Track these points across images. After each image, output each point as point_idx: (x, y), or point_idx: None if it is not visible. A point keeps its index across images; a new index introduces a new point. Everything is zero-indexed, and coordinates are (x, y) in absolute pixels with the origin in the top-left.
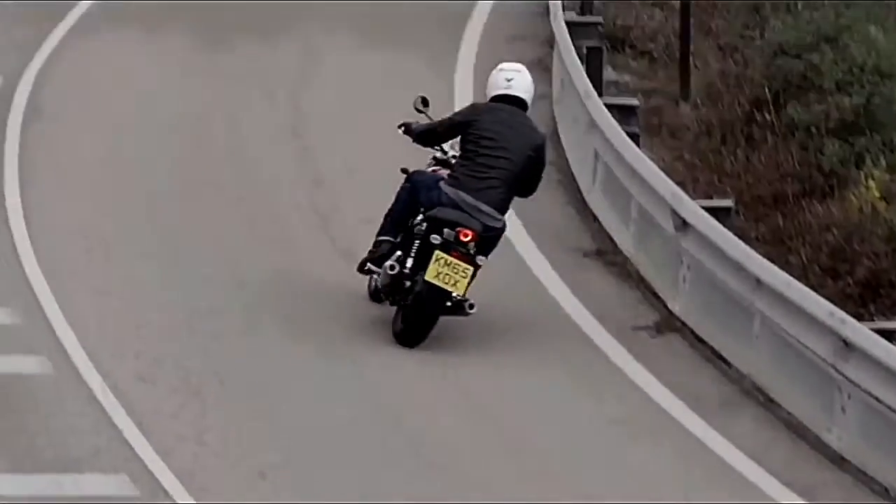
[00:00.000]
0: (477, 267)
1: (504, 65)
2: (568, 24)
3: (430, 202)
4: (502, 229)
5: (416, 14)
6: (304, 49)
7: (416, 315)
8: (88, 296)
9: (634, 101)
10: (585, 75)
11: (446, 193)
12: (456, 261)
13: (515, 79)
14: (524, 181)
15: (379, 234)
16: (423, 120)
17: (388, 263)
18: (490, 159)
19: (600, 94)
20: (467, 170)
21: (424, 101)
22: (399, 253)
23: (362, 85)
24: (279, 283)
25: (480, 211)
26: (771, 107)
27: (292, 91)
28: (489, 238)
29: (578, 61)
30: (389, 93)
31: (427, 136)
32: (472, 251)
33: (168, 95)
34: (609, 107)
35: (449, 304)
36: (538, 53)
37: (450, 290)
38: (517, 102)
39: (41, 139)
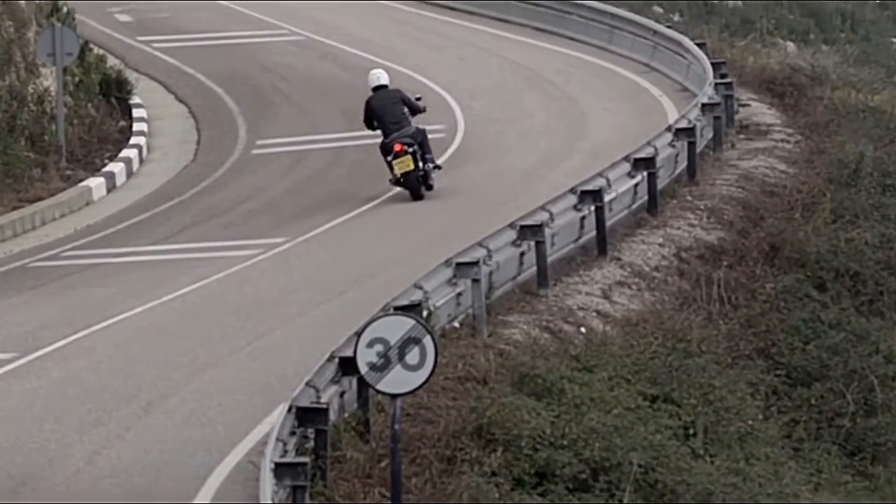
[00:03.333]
0: (409, 153)
1: (373, 70)
2: None
3: (384, 150)
4: (419, 129)
5: None
6: None
7: (409, 186)
8: None
9: None
10: None
11: (384, 142)
12: (400, 158)
13: (380, 76)
14: (411, 111)
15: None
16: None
17: (390, 178)
18: (388, 116)
19: None
20: (385, 126)
21: (365, 122)
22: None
23: None
24: None
25: (398, 137)
26: None
27: None
28: (415, 135)
29: None
30: None
31: (367, 125)
32: (405, 150)
33: None
34: None
35: (421, 174)
36: None
37: (407, 169)
38: (384, 86)
39: None
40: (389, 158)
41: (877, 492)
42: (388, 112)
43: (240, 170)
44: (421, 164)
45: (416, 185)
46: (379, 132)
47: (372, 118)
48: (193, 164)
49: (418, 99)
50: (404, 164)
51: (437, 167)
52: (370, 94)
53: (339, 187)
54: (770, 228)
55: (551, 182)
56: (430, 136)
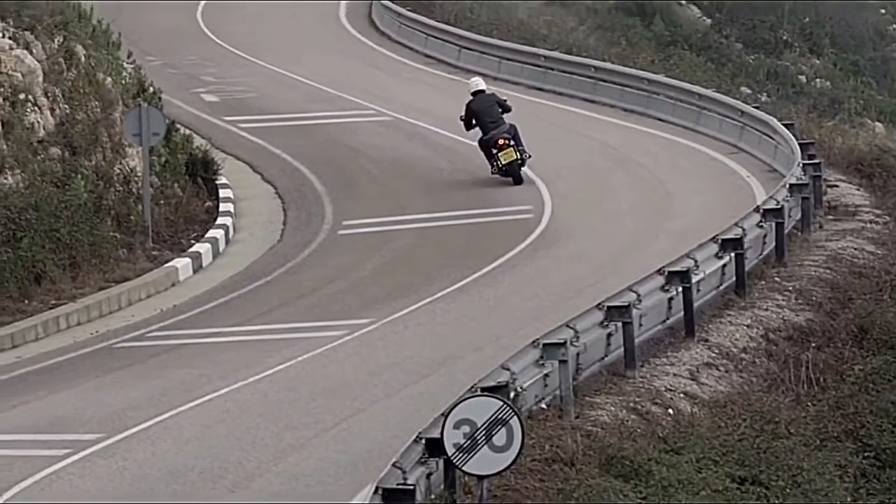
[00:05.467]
0: (511, 146)
1: (472, 78)
2: None
3: (487, 145)
4: (511, 125)
5: None
6: None
7: (512, 173)
8: None
9: None
10: None
11: (485, 138)
12: (504, 150)
13: (479, 83)
14: (502, 111)
15: (488, 162)
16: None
17: (493, 168)
18: (486, 116)
19: None
20: (483, 125)
21: (462, 119)
22: (493, 163)
23: None
24: None
25: (498, 133)
26: None
27: None
28: (510, 131)
29: None
30: None
31: (466, 125)
32: (507, 143)
33: None
34: None
35: (520, 162)
36: None
37: (511, 159)
38: (482, 91)
39: None
40: (495, 151)
41: None
42: (486, 113)
43: (326, 250)
44: (518, 155)
45: (517, 172)
46: (476, 131)
47: (471, 119)
48: (280, 245)
49: (505, 100)
50: (508, 155)
51: (529, 156)
52: (470, 98)
53: (425, 268)
54: (858, 310)
55: (638, 263)
56: (516, 216)
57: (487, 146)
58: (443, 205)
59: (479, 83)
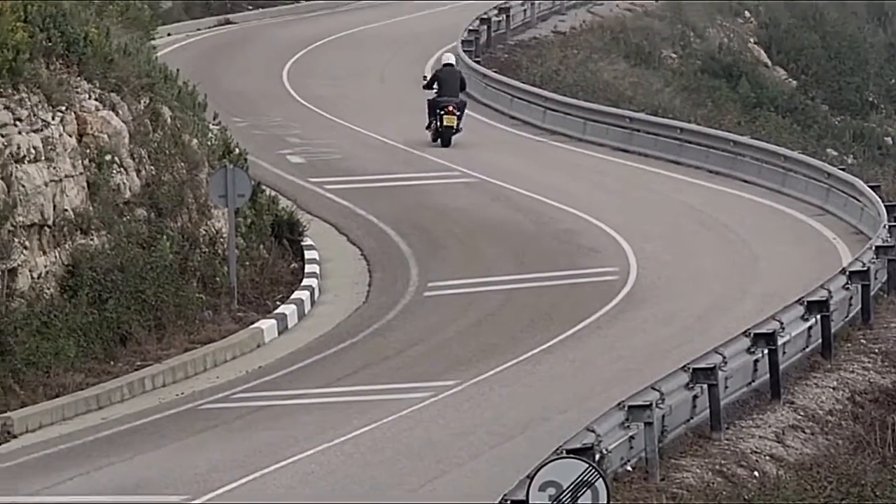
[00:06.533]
0: (456, 115)
1: (446, 53)
2: None
3: (437, 105)
4: (463, 101)
5: None
6: None
7: (444, 136)
8: None
9: None
10: None
11: (438, 99)
12: (448, 115)
13: (450, 58)
14: (461, 87)
15: (428, 118)
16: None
17: (431, 125)
18: (447, 86)
19: None
20: (441, 91)
21: (426, 79)
22: (433, 121)
23: None
24: None
25: (451, 101)
26: None
27: None
28: (460, 104)
29: None
30: None
31: (427, 86)
32: (454, 112)
33: None
34: None
35: (454, 131)
36: None
37: (450, 125)
38: (451, 65)
39: None
40: (441, 112)
41: None
42: (448, 83)
43: (412, 312)
44: (457, 124)
45: (449, 137)
46: (433, 93)
47: (433, 82)
48: (365, 306)
49: (464, 80)
50: (450, 120)
51: (461, 129)
52: (441, 67)
53: (510, 330)
54: None
55: (724, 325)
56: (602, 278)
57: (436, 107)
58: (528, 267)
59: (450, 58)
